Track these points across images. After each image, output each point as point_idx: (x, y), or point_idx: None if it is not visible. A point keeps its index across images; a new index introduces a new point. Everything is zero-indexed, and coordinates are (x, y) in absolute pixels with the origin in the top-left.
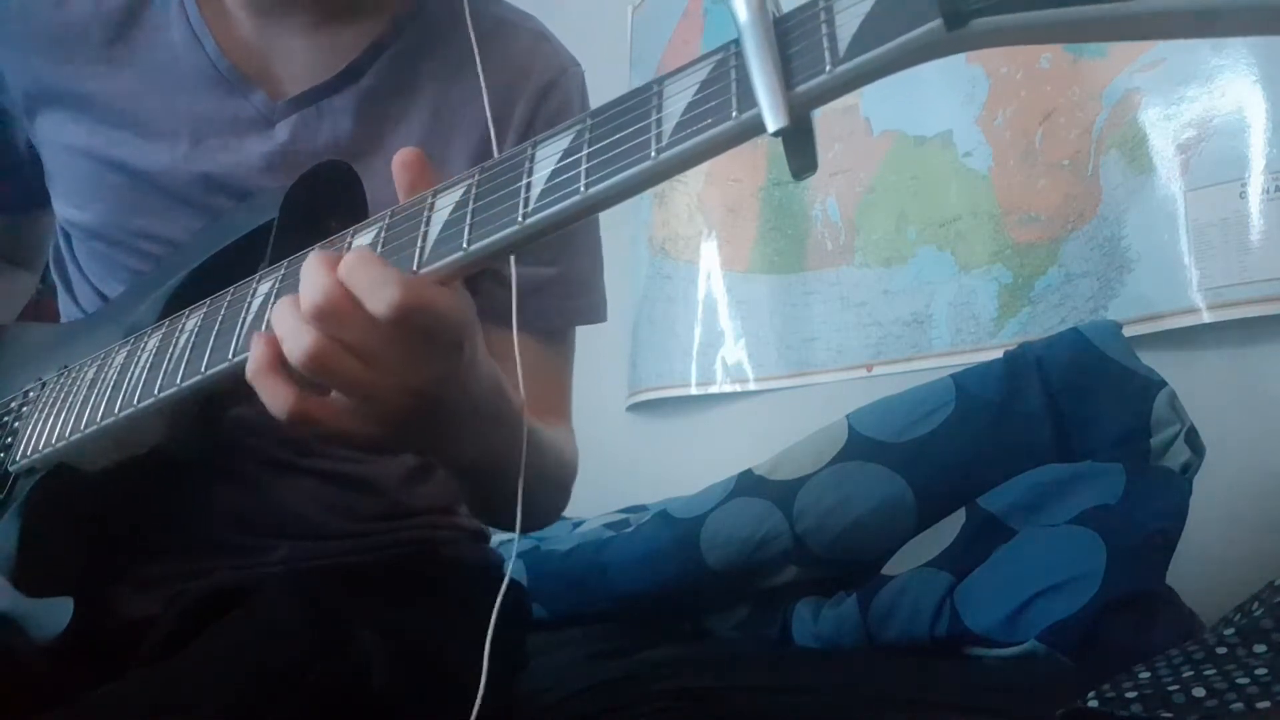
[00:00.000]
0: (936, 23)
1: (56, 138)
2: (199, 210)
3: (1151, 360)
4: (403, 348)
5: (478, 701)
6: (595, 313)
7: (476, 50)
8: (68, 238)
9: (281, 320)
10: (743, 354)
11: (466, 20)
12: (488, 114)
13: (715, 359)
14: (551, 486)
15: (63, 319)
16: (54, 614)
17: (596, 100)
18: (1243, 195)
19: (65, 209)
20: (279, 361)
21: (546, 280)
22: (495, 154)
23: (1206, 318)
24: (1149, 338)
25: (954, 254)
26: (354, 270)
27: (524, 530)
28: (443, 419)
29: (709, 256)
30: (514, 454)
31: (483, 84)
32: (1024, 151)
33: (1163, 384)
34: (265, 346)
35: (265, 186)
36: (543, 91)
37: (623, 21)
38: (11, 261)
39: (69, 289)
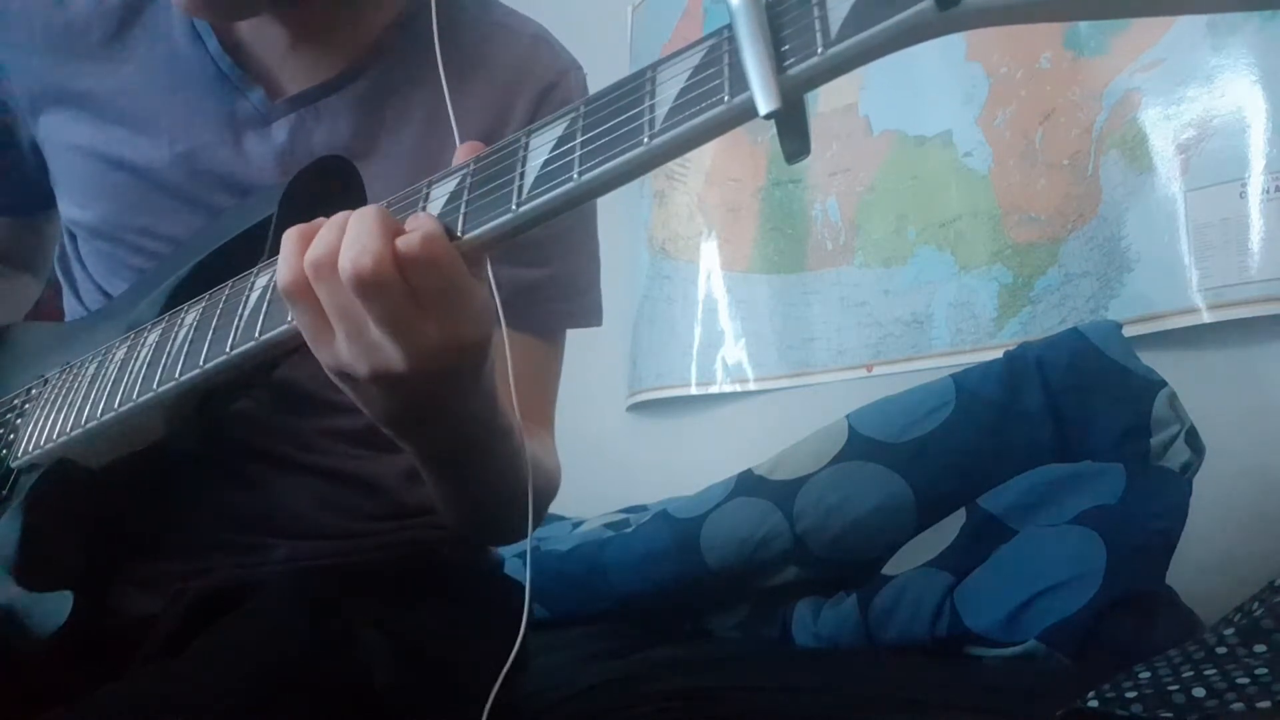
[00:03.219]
0: (929, 2)
1: (60, 137)
2: (200, 208)
3: (1151, 360)
4: (445, 308)
5: (488, 705)
6: (589, 316)
7: (440, 56)
8: (73, 237)
9: (358, 224)
10: (743, 354)
11: (433, 25)
12: (453, 124)
13: (715, 359)
14: (522, 503)
15: (68, 319)
16: (53, 608)
17: None
18: (1243, 195)
19: (69, 208)
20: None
21: (537, 281)
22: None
23: (1206, 318)
24: (1149, 338)
25: (954, 254)
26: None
27: (498, 543)
28: (444, 399)
29: (709, 256)
30: (490, 461)
31: (445, 93)
32: (1024, 151)
33: (1163, 384)
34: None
35: (264, 184)
36: (542, 94)
37: (623, 21)
38: (15, 265)
39: (74, 289)
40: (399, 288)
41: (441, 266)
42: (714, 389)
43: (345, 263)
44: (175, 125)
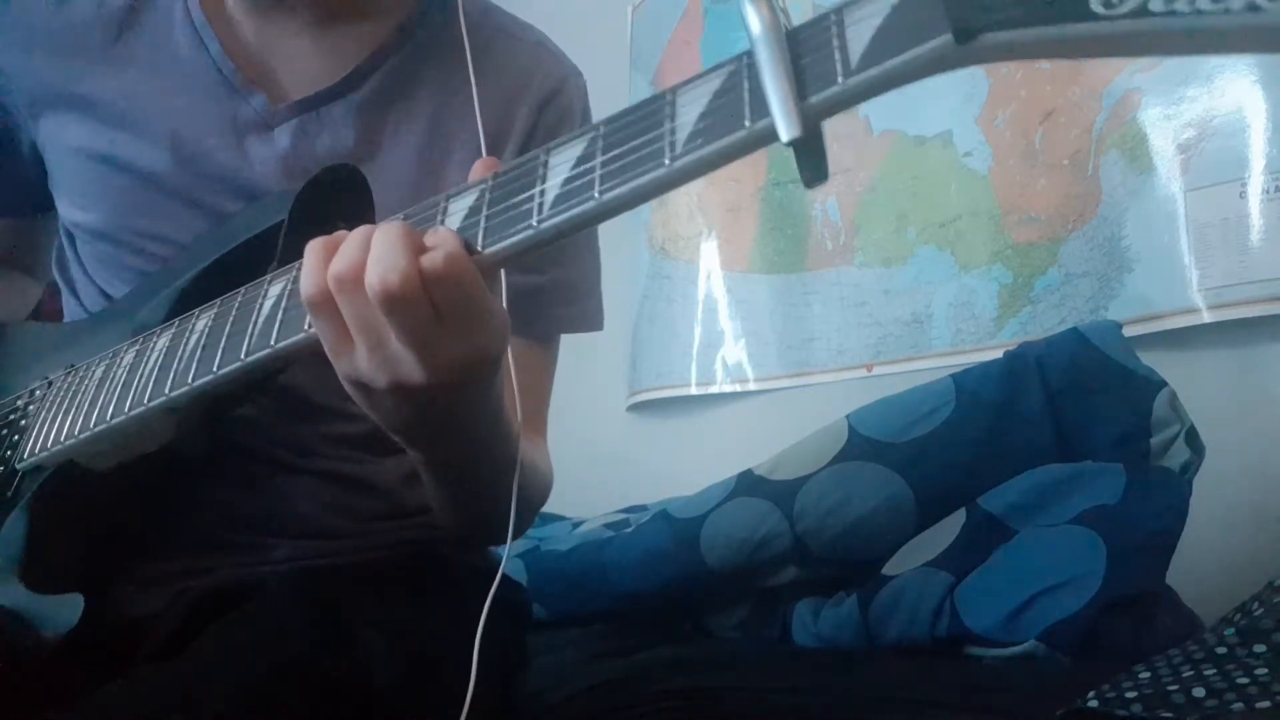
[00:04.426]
0: (946, 37)
1: (60, 139)
2: (203, 211)
3: (1151, 360)
4: (464, 322)
5: (468, 699)
6: (588, 321)
7: (470, 63)
8: (71, 239)
9: (383, 240)
10: (743, 354)
11: (463, 32)
12: (479, 127)
13: (715, 359)
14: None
15: (67, 320)
16: (64, 610)
17: (597, 103)
18: (1243, 195)
19: (70, 211)
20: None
21: (538, 286)
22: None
23: (1206, 318)
24: (1149, 338)
25: (954, 254)
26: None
27: (492, 543)
28: (456, 408)
29: (709, 256)
30: (493, 464)
31: (475, 97)
32: (1024, 151)
33: (1163, 384)
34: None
35: (266, 189)
36: (544, 101)
37: (623, 21)
38: (14, 267)
39: (73, 290)
40: (423, 304)
41: (464, 284)
42: (714, 389)
43: (373, 279)
44: (178, 129)
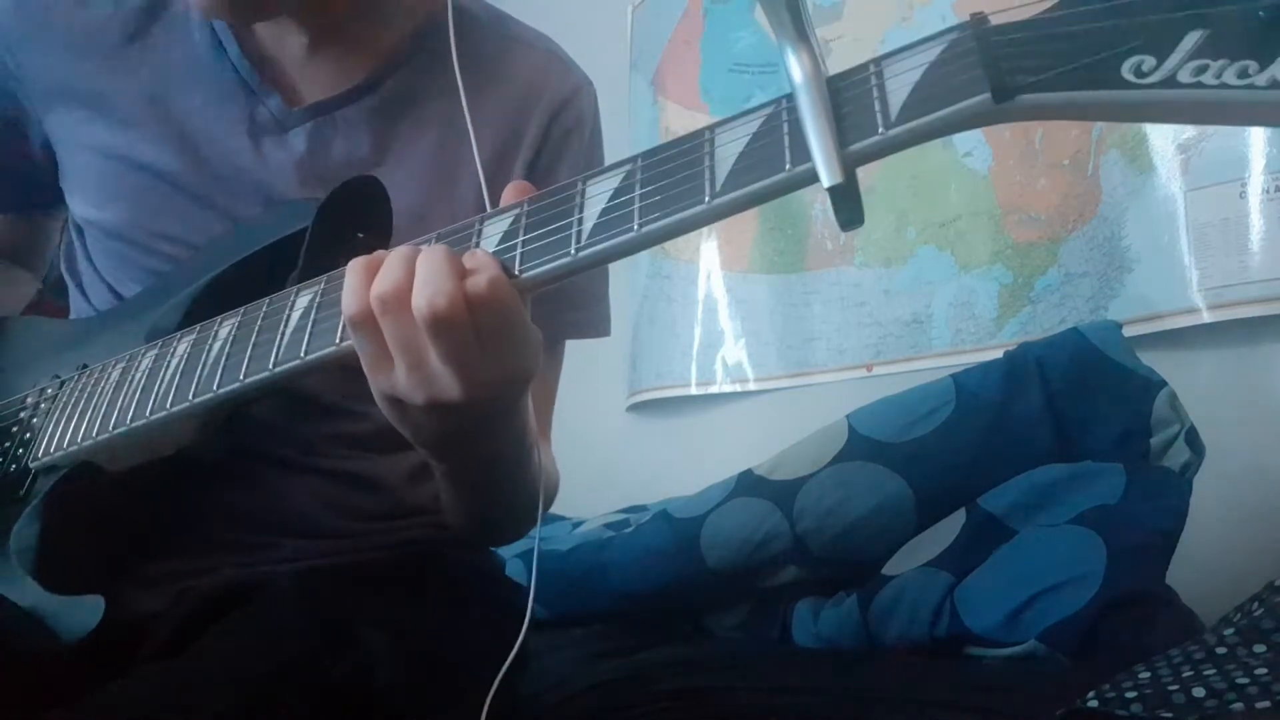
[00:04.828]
0: (985, 96)
1: (76, 137)
2: (217, 212)
3: (1151, 360)
4: (502, 343)
5: (486, 705)
6: (595, 327)
7: (459, 74)
8: (81, 236)
9: (429, 263)
10: (743, 354)
11: (450, 40)
12: (471, 136)
13: (715, 359)
14: (524, 511)
15: (73, 317)
16: (84, 612)
17: (604, 108)
18: (1243, 195)
19: (84, 208)
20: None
21: (546, 292)
22: (481, 178)
23: (1206, 318)
24: (1149, 338)
25: (954, 254)
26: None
27: (496, 544)
28: (487, 424)
29: (709, 256)
30: (515, 473)
31: (464, 105)
32: (1024, 151)
33: (1163, 384)
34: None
35: (281, 192)
36: (555, 110)
37: (623, 21)
38: (14, 261)
39: (80, 287)
40: (467, 326)
41: (506, 307)
42: (714, 389)
43: (420, 302)
44: (193, 128)
